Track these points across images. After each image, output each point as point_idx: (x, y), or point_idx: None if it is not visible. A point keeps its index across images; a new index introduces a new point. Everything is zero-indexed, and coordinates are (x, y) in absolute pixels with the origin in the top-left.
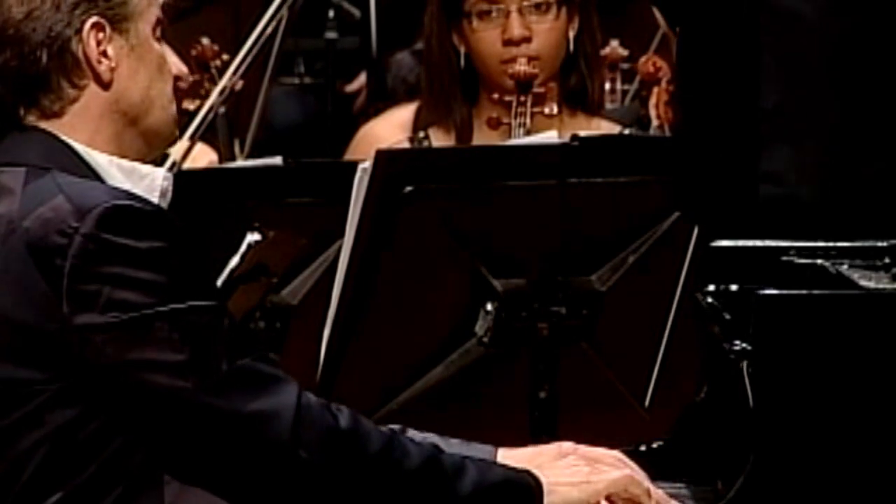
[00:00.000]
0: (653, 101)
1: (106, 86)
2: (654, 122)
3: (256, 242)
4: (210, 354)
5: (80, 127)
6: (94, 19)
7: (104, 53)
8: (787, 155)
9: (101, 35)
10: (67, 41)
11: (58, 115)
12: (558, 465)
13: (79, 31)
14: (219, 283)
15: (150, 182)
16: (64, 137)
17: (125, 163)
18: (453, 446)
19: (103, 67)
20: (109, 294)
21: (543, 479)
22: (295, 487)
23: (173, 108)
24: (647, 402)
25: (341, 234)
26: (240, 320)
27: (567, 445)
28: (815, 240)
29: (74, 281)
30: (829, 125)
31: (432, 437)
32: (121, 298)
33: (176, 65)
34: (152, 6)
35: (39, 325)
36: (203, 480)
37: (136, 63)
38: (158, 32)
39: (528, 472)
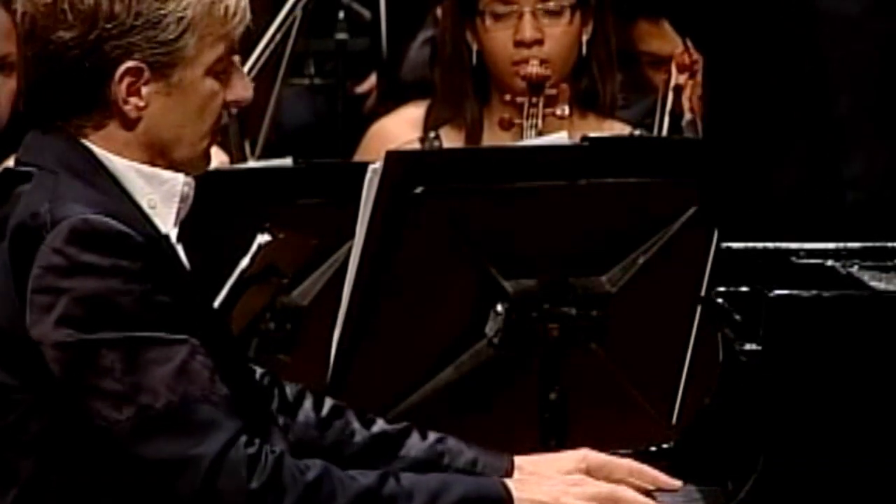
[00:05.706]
0: (687, 93)
1: (131, 124)
2: (688, 116)
3: (267, 243)
4: (148, 390)
5: (104, 142)
6: (131, 63)
7: (136, 93)
8: (863, 159)
9: (135, 78)
10: (99, 77)
11: (85, 132)
12: (546, 479)
13: (112, 70)
14: (225, 289)
15: (170, 187)
16: (85, 141)
17: (146, 168)
18: (469, 452)
19: (129, 107)
20: (63, 309)
21: (515, 492)
22: None
23: (205, 144)
24: (657, 404)
25: (352, 235)
26: (250, 322)
27: (580, 454)
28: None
29: (35, 291)
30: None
31: (450, 441)
32: (73, 315)
33: (239, 91)
34: (215, 48)
35: (13, 331)
36: None
37: (172, 104)
38: (220, 67)
39: (500, 483)
